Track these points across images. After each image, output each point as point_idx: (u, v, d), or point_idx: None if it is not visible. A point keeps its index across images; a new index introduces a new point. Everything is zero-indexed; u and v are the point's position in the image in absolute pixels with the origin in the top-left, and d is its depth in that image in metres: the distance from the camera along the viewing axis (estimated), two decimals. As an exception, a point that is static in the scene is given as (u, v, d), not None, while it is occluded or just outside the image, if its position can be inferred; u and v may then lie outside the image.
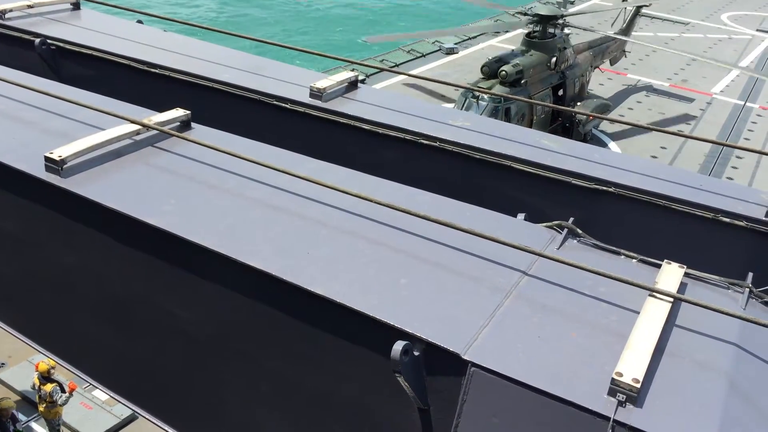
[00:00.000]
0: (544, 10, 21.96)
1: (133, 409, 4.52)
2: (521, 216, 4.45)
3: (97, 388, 4.65)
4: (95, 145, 4.48)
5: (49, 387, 12.05)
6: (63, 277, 4.63)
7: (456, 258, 3.83)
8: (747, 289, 3.79)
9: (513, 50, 21.99)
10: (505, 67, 19.97)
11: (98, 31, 6.93)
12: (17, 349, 13.29)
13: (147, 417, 4.42)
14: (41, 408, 12.30)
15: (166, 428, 4.33)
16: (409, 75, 7.04)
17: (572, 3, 38.90)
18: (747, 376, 3.27)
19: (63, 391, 12.16)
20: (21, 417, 12.44)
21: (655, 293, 3.51)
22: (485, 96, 19.38)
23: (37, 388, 12.23)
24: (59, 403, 12.11)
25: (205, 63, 6.36)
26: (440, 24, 39.52)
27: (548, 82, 21.82)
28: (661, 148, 22.98)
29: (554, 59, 21.62)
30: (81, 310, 4.62)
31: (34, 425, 12.78)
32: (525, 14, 22.79)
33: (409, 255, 3.84)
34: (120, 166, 4.48)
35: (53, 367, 11.99)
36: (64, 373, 11.72)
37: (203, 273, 3.98)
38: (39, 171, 4.29)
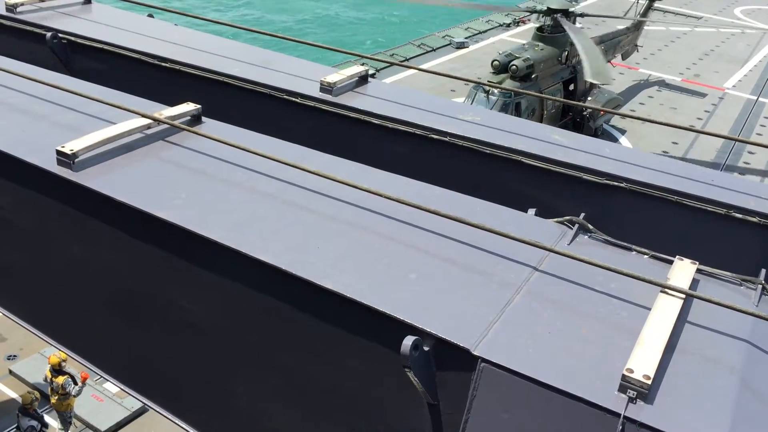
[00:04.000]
0: (554, 4, 21.83)
1: (143, 402, 4.54)
2: (532, 211, 4.43)
3: (108, 380, 4.67)
4: (106, 139, 4.50)
5: (61, 379, 12.16)
6: (74, 270, 4.66)
7: (466, 253, 3.82)
8: (760, 286, 3.76)
9: (524, 44, 21.89)
10: (515, 62, 19.88)
11: (109, 25, 6.95)
12: (29, 341, 13.40)
13: (157, 410, 4.45)
14: (53, 400, 12.41)
15: (177, 421, 4.35)
16: (420, 69, 7.00)
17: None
18: (759, 373, 3.24)
19: (75, 383, 12.26)
20: None
21: (666, 289, 3.49)
22: (495, 91, 19.31)
23: (49, 380, 12.34)
24: (73, 394, 12.21)
25: (216, 57, 6.36)
26: (451, 18, 39.36)
27: (559, 77, 21.72)
28: (673, 143, 22.86)
29: (565, 53, 21.51)
30: (92, 302, 4.65)
31: (46, 417, 12.88)
32: (534, 11, 22.65)
33: (419, 250, 3.83)
34: (131, 159, 4.49)
35: (65, 360, 12.09)
36: (76, 365, 11.82)
37: (213, 267, 3.99)
38: (51, 164, 4.31)
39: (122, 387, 4.58)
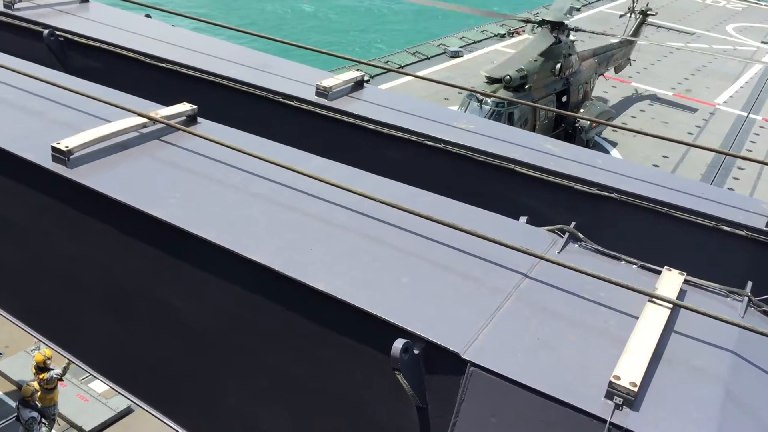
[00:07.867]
0: (550, 16, 21.96)
1: (131, 400, 4.53)
2: (523, 219, 4.47)
3: (96, 378, 4.66)
4: (102, 137, 4.51)
5: (44, 376, 12.15)
6: (66, 266, 4.65)
7: (457, 259, 3.85)
8: (746, 298, 3.81)
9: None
10: (509, 72, 19.98)
11: (106, 24, 6.96)
12: (15, 339, 13.32)
13: (145, 408, 4.44)
14: (37, 396, 12.37)
15: (165, 420, 4.34)
16: (415, 76, 7.07)
17: (578, 10, 38.97)
18: (744, 383, 3.29)
19: (59, 379, 12.30)
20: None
21: (654, 299, 3.53)
22: (488, 100, 19.38)
23: (34, 377, 12.31)
24: (58, 374, 12.18)
25: (213, 59, 6.39)
26: (443, 25, 39.50)
27: (552, 88, 21.82)
28: (663, 157, 23.01)
29: (559, 65, 21.63)
30: (83, 300, 4.65)
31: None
32: (529, 21, 22.78)
33: (411, 254, 3.86)
34: (126, 158, 4.50)
35: (50, 358, 12.06)
36: (63, 362, 11.79)
37: (206, 266, 4.00)
38: (46, 161, 4.31)
39: (111, 385, 4.57)
